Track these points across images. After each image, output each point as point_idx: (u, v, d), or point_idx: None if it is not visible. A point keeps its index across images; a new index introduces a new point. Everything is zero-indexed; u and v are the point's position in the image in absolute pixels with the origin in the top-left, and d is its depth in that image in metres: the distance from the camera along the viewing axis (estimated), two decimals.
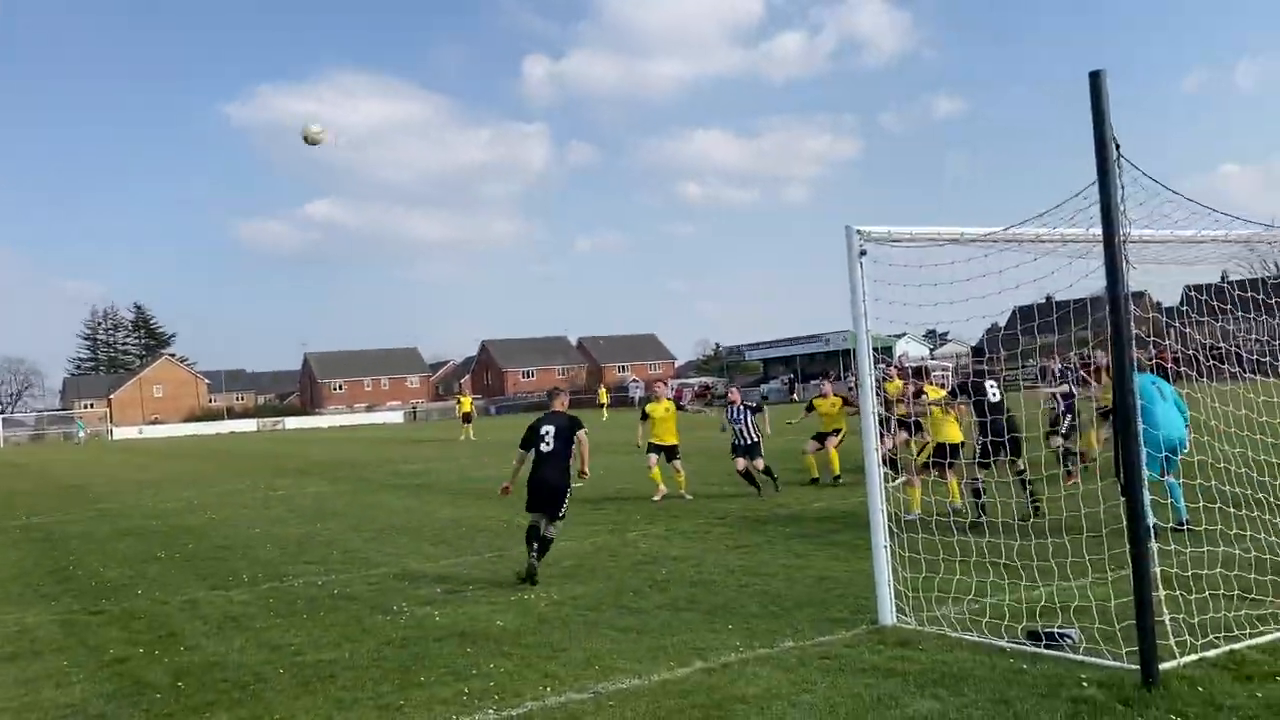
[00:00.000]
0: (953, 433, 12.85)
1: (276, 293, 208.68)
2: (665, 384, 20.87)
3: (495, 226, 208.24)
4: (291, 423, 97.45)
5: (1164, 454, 9.85)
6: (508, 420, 73.01)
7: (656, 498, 16.38)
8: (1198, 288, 10.11)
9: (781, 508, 14.70)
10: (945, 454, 12.59)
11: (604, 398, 64.05)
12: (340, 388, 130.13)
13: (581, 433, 10.56)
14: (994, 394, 12.12)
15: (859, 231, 7.56)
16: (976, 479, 11.91)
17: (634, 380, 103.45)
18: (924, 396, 13.72)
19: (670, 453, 16.87)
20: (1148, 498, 6.03)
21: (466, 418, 46.58)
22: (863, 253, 7.58)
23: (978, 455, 11.84)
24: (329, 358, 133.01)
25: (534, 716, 6.03)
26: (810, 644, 7.13)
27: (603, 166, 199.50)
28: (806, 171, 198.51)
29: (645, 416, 17.42)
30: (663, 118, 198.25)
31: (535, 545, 10.08)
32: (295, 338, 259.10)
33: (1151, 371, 10.81)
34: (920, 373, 15.07)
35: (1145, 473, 9.61)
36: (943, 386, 15.02)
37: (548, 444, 10.44)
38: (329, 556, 12.84)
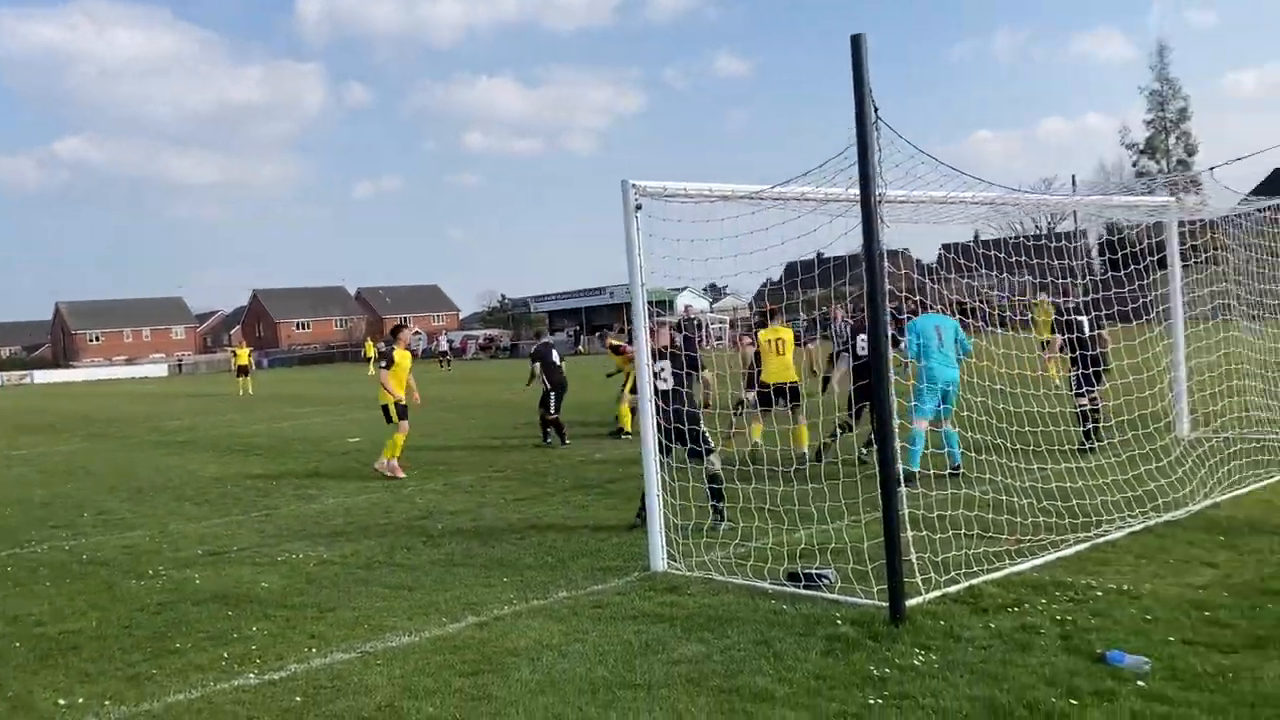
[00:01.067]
0: (783, 373, 13.10)
1: (20, 237, 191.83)
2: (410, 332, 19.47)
3: (266, 170, 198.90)
4: (41, 376, 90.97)
5: (940, 397, 10.54)
6: (282, 374, 70.20)
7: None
8: (949, 246, 10.72)
9: (562, 459, 14.78)
10: (782, 396, 12.96)
11: (370, 351, 60.36)
12: (97, 339, 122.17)
13: None
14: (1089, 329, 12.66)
15: (635, 186, 7.61)
16: (848, 421, 12.28)
17: (417, 333, 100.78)
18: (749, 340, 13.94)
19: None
20: (898, 445, 6.38)
21: (243, 370, 44.04)
22: (638, 207, 7.64)
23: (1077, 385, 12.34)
24: (84, 307, 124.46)
25: (297, 679, 5.85)
26: (583, 593, 7.22)
27: (382, 110, 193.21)
28: (591, 123, 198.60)
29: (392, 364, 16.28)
30: (446, 62, 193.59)
31: None
32: (45, 285, 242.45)
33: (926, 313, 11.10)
34: (772, 314, 14.17)
35: (923, 417, 10.44)
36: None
37: None
38: (78, 520, 12.11)
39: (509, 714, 5.08)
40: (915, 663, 5.37)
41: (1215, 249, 12.39)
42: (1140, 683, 4.87)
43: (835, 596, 6.70)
